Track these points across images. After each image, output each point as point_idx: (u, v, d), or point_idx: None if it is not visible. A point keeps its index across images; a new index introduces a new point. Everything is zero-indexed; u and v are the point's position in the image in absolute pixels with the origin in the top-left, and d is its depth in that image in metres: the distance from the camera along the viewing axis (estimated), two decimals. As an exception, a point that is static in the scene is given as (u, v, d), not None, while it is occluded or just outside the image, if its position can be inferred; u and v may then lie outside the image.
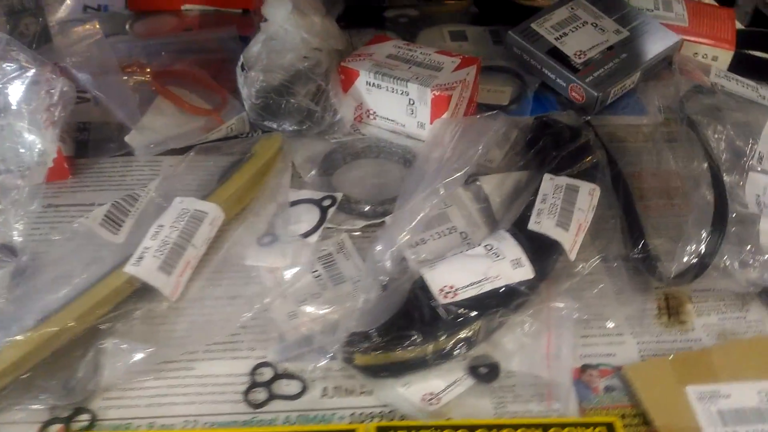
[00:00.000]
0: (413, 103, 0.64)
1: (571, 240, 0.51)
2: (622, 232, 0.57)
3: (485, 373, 0.46)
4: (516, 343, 0.47)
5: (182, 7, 0.84)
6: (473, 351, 0.46)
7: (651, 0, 0.82)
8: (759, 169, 0.60)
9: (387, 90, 0.64)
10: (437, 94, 0.61)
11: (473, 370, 0.46)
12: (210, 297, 0.50)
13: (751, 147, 0.61)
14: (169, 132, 0.62)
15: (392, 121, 0.67)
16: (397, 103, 0.65)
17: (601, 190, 0.59)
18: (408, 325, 0.44)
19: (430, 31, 0.87)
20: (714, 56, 0.79)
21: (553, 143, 0.62)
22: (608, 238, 0.56)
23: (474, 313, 0.45)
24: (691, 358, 0.48)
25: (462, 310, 0.45)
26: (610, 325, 0.49)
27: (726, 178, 0.59)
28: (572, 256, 0.51)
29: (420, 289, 0.47)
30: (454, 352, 0.44)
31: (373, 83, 0.65)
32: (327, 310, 0.48)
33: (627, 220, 0.57)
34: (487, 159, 0.63)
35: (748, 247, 0.49)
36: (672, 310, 0.52)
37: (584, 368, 0.47)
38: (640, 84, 0.74)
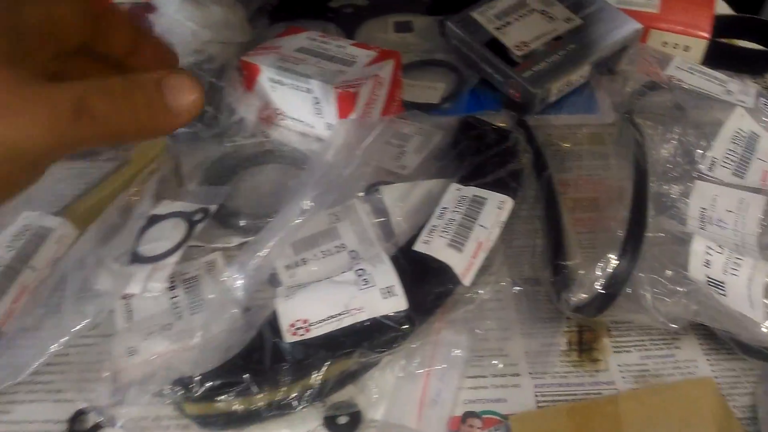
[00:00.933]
0: (318, 102, 0.57)
1: (464, 262, 0.44)
2: (541, 251, 0.49)
3: (343, 423, 0.39)
4: (386, 387, 0.40)
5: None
6: (329, 399, 0.39)
7: (620, -17, 0.74)
8: (709, 177, 0.52)
9: (290, 87, 0.57)
10: (341, 91, 0.54)
11: (329, 420, 0.39)
12: (46, 327, 0.44)
13: (704, 151, 0.53)
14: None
15: (301, 122, 0.60)
16: (302, 102, 0.57)
17: (525, 202, 0.51)
18: (245, 368, 0.37)
19: (374, 22, 0.80)
20: (686, 46, 0.70)
21: (474, 147, 0.54)
22: (520, 257, 0.48)
23: (324, 355, 0.38)
24: (594, 407, 0.40)
25: (310, 350, 0.38)
26: (500, 365, 0.42)
27: (670, 187, 0.51)
28: (467, 281, 0.44)
29: (269, 324, 0.40)
30: (294, 404, 0.37)
31: (276, 80, 0.58)
32: (172, 347, 0.42)
33: (548, 236, 0.49)
34: (400, 165, 0.56)
35: (669, 273, 0.41)
36: (584, 346, 0.44)
37: (465, 417, 0.40)
38: (594, 78, 0.66)
